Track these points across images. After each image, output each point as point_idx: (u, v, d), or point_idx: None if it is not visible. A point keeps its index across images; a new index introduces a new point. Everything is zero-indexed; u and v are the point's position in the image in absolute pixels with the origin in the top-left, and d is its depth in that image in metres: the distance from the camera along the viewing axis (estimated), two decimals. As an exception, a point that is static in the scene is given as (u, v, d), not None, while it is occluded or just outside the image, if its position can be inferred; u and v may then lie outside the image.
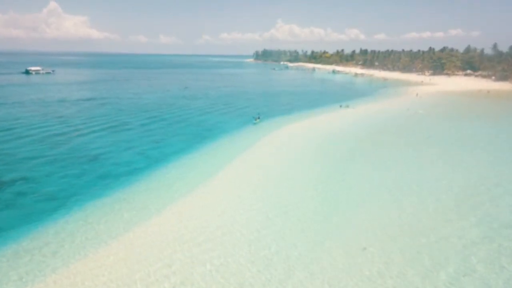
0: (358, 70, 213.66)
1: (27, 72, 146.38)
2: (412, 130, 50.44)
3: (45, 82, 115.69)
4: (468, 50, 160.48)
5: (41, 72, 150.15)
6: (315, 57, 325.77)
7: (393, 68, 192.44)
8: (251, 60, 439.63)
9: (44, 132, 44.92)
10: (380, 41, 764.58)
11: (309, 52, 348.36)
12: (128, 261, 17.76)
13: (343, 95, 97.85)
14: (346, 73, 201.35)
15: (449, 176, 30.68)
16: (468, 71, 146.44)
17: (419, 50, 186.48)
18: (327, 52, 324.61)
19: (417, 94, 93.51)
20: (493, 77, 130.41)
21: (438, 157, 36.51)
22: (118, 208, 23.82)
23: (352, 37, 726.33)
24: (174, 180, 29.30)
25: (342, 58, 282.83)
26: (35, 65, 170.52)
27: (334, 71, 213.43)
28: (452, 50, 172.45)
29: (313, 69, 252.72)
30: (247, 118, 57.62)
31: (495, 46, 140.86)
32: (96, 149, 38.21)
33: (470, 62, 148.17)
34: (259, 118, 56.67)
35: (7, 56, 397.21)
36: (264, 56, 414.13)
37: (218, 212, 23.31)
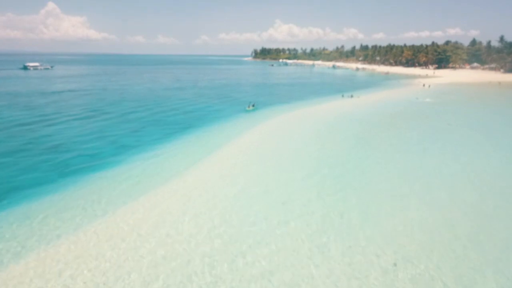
0: (359, 65, 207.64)
1: (25, 67, 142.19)
2: (428, 117, 44.51)
3: (39, 76, 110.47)
4: (473, 43, 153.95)
5: (39, 67, 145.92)
6: (314, 54, 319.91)
7: (395, 63, 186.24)
8: (249, 58, 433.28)
9: (6, 122, 39.09)
10: (378, 40, 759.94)
11: (308, 50, 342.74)
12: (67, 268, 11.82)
13: (346, 86, 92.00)
14: (347, 68, 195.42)
15: (484, 164, 24.92)
16: (475, 64, 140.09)
17: (421, 44, 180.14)
18: (326, 49, 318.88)
19: (424, 85, 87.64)
20: (502, 70, 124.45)
21: (465, 143, 30.72)
22: (69, 205, 18.11)
23: (350, 36, 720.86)
24: (144, 172, 23.57)
25: (342, 54, 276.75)
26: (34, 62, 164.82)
27: (334, 66, 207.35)
28: (456, 43, 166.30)
29: (313, 65, 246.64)
30: (240, 107, 51.76)
31: (502, 38, 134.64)
32: (62, 139, 32.39)
33: (477, 54, 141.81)
34: (253, 106, 50.95)
35: (5, 56, 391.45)
36: (263, 54, 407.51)
37: (193, 211, 17.44)
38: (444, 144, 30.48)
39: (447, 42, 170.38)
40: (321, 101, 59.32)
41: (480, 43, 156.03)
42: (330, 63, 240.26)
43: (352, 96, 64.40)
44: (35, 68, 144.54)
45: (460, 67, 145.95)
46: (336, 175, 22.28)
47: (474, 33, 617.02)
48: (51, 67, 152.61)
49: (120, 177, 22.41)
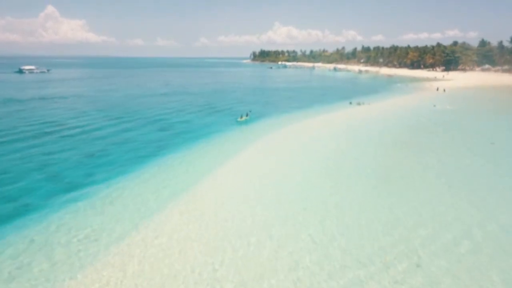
0: (362, 67, 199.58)
1: (20, 71, 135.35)
2: (460, 132, 36.17)
3: (27, 80, 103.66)
4: (483, 43, 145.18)
5: (35, 71, 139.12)
6: (314, 56, 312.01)
7: (399, 65, 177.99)
8: (248, 61, 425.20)
9: None
10: (377, 42, 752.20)
11: (307, 52, 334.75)
12: None
13: (350, 90, 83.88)
14: (348, 71, 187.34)
15: None
16: (487, 66, 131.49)
17: (426, 45, 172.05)
18: (326, 51, 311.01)
19: (437, 89, 79.46)
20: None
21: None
22: None
23: (349, 38, 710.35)
24: (91, 226, 15.69)
25: (342, 56, 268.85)
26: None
27: (335, 69, 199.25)
28: (464, 43, 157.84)
29: (313, 67, 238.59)
30: (232, 117, 43.52)
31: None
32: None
33: (488, 56, 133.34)
34: (247, 115, 42.94)
35: (5, 59, 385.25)
36: (262, 56, 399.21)
37: None
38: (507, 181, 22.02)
39: (455, 43, 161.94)
40: (325, 110, 50.99)
41: (489, 43, 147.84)
42: (331, 65, 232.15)
43: (359, 104, 56.12)
44: (30, 71, 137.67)
45: (470, 69, 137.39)
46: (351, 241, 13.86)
47: (472, 35, 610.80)
48: (48, 70, 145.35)
49: (56, 237, 14.21)
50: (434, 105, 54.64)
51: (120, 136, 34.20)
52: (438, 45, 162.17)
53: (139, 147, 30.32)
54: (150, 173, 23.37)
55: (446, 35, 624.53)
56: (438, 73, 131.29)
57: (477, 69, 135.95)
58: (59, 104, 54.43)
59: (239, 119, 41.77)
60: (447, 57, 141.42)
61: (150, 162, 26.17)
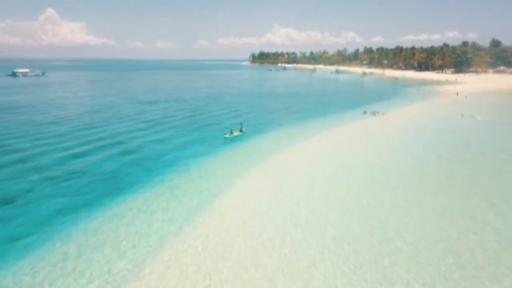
0: (366, 69, 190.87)
1: (13, 74, 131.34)
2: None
3: (15, 84, 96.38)
4: (497, 43, 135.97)
5: (29, 74, 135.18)
6: (314, 57, 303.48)
7: (405, 67, 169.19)
8: (247, 63, 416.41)
9: None
10: (376, 43, 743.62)
11: (307, 54, 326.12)
12: None
13: (358, 95, 75.35)
14: (351, 73, 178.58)
15: None
16: (502, 68, 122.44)
17: (433, 46, 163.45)
18: (327, 52, 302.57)
19: (457, 94, 70.83)
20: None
21: None
22: None
23: (349, 40, 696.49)
24: None
25: (344, 57, 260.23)
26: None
27: (337, 71, 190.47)
28: (474, 43, 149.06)
29: (314, 69, 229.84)
30: (220, 134, 34.72)
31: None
32: None
33: (502, 56, 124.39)
34: (241, 130, 34.54)
35: (4, 62, 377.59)
36: (261, 58, 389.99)
37: None
38: None
39: (465, 43, 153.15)
40: (336, 122, 42.29)
41: (499, 43, 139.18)
42: (333, 67, 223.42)
43: (374, 114, 47.39)
44: (24, 74, 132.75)
45: (483, 71, 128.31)
46: None
47: (472, 36, 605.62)
48: (42, 73, 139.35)
49: None
50: (462, 115, 46.04)
51: (66, 165, 25.35)
52: (446, 45, 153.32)
53: (86, 185, 21.50)
54: (90, 232, 14.72)
55: (445, 36, 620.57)
56: (449, 76, 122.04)
57: (490, 71, 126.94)
58: (18, 116, 45.64)
59: (227, 136, 33.24)
60: (457, 58, 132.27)
61: (94, 211, 17.60)
